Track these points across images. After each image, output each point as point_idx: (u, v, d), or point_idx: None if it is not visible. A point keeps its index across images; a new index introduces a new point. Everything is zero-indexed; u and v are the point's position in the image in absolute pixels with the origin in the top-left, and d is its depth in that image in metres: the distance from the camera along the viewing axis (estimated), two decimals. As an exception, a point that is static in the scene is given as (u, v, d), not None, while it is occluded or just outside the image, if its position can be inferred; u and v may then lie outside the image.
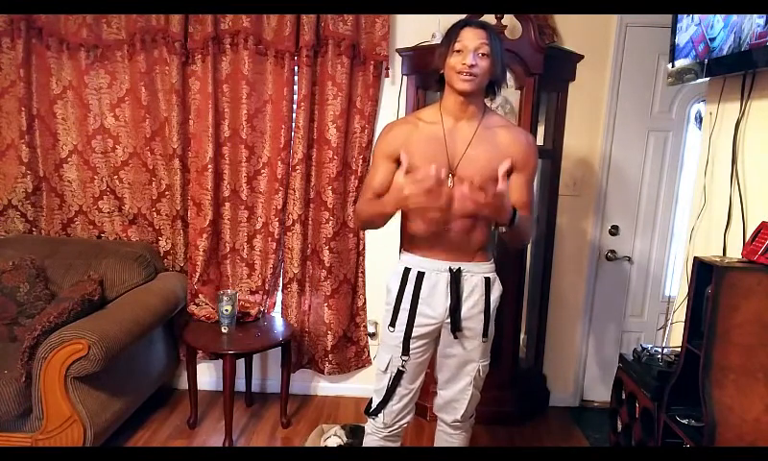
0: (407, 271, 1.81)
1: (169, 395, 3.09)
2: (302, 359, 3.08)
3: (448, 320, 1.79)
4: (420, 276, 1.79)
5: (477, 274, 1.79)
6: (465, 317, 1.79)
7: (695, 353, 1.62)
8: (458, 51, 1.64)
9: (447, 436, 1.98)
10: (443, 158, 1.70)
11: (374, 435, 1.92)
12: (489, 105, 1.81)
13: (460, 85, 1.65)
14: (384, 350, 1.87)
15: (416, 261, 1.81)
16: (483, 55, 1.64)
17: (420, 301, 1.79)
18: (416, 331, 1.80)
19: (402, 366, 1.82)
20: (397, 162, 1.77)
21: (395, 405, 1.86)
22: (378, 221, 1.77)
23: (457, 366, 1.86)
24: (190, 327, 2.81)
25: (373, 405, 1.89)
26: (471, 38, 1.63)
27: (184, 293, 2.92)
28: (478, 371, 1.86)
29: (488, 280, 1.81)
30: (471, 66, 1.62)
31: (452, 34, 1.67)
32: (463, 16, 1.77)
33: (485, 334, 1.82)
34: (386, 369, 1.84)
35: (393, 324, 1.82)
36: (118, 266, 2.69)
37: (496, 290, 1.84)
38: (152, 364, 2.83)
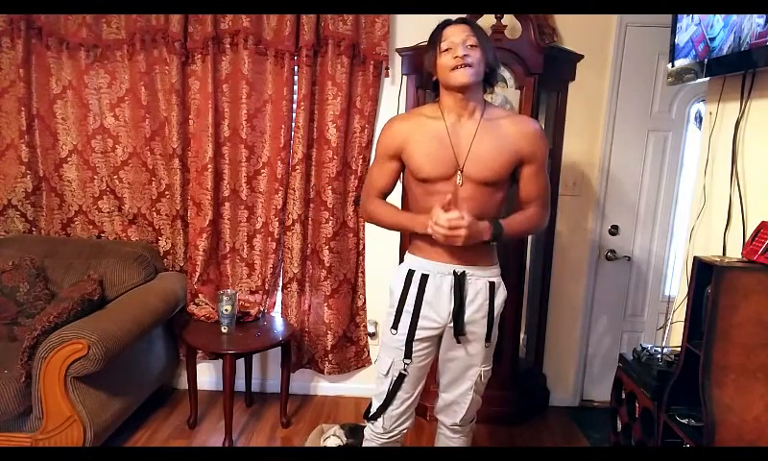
0: (411, 273, 1.79)
1: (169, 395, 3.09)
2: (302, 359, 3.08)
3: (451, 323, 1.77)
4: (424, 278, 1.77)
5: (482, 278, 1.78)
6: (468, 321, 1.77)
7: (695, 353, 1.62)
8: (446, 50, 1.64)
9: (447, 439, 1.97)
10: (449, 157, 1.69)
11: (373, 441, 1.90)
12: (489, 100, 1.80)
13: (459, 79, 1.63)
14: (385, 353, 1.84)
15: (420, 263, 1.79)
16: (472, 46, 1.63)
17: (423, 303, 1.77)
18: (418, 334, 1.79)
19: (404, 369, 1.80)
20: (400, 159, 1.77)
21: (395, 410, 1.84)
22: (390, 229, 1.79)
23: (459, 370, 1.85)
24: (190, 326, 2.82)
25: (373, 409, 1.87)
26: (456, 34, 1.63)
27: (184, 293, 2.92)
28: (480, 376, 1.84)
29: (492, 285, 1.79)
30: (464, 57, 1.61)
31: (436, 36, 1.67)
32: (463, 16, 1.76)
33: (488, 339, 1.80)
34: (387, 372, 1.82)
35: (395, 326, 1.80)
36: (118, 266, 2.69)
37: (501, 295, 1.82)
38: (152, 364, 2.83)
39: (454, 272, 1.75)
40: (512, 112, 1.88)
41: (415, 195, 1.79)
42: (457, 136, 1.70)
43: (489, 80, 1.74)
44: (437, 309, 1.77)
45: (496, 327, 1.83)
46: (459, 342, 1.80)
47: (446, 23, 1.67)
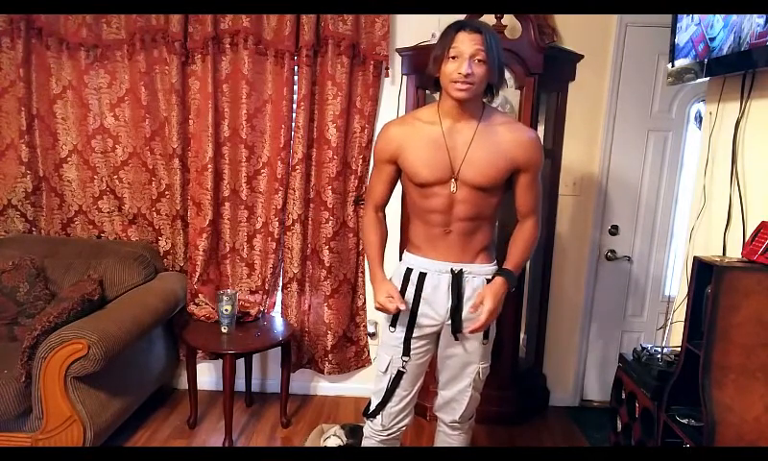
0: (409, 271, 1.81)
1: (169, 395, 3.09)
2: (302, 359, 3.08)
3: (449, 321, 1.78)
4: (422, 276, 1.78)
5: (479, 275, 1.78)
6: (466, 318, 1.77)
7: (695, 353, 1.62)
8: (453, 57, 1.58)
9: (446, 437, 1.98)
10: (444, 162, 1.69)
11: (372, 439, 1.91)
12: (488, 103, 1.78)
13: (455, 94, 1.61)
14: (384, 350, 1.86)
15: (418, 262, 1.80)
16: (479, 61, 1.58)
17: (421, 301, 1.79)
18: (416, 331, 1.80)
19: (403, 367, 1.82)
20: (396, 163, 1.77)
21: (393, 407, 1.85)
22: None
23: (457, 367, 1.86)
24: (190, 326, 2.82)
25: (372, 407, 1.89)
26: (467, 44, 1.57)
27: (184, 293, 2.92)
28: (478, 373, 1.85)
29: (490, 282, 1.80)
30: (467, 75, 1.57)
31: (447, 38, 1.60)
32: (462, 17, 1.75)
33: (486, 335, 1.81)
34: (386, 370, 1.84)
35: (394, 324, 1.82)
36: (118, 266, 2.69)
37: None
38: (152, 364, 2.83)
39: (452, 270, 1.76)
40: (510, 119, 1.85)
41: (413, 197, 1.80)
42: (453, 141, 1.69)
43: (491, 89, 1.70)
44: (435, 307, 1.78)
45: (494, 324, 1.84)
46: (457, 339, 1.81)
47: (461, 27, 1.60)
